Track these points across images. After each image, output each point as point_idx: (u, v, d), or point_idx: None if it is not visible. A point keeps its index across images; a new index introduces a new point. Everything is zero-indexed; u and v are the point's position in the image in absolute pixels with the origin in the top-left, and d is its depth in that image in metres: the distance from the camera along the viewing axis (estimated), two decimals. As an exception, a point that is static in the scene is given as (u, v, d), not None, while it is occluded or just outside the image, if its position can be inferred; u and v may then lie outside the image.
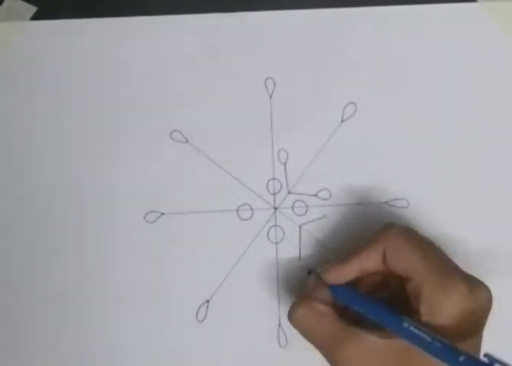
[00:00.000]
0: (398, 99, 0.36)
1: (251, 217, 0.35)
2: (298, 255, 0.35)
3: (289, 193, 0.36)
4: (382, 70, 0.36)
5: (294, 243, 0.35)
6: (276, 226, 0.35)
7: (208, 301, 0.35)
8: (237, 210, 0.35)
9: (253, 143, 0.35)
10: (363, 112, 0.35)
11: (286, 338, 0.35)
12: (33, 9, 0.36)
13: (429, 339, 0.26)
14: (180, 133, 0.35)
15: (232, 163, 0.35)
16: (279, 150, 0.35)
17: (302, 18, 0.36)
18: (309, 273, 0.32)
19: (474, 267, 0.35)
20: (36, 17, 0.36)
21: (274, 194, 0.36)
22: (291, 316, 0.30)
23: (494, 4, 0.36)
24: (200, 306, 0.35)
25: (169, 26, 0.36)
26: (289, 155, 0.35)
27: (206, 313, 0.35)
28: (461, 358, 0.25)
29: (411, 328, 0.27)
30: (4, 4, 0.36)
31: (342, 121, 0.35)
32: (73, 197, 0.35)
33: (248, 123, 0.35)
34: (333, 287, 0.30)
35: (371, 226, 0.34)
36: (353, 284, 0.30)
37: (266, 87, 0.36)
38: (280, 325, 0.35)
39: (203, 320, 0.35)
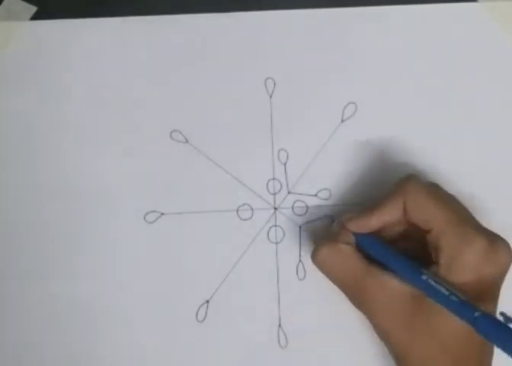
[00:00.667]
0: (398, 99, 0.35)
1: (251, 217, 0.35)
2: (298, 255, 0.35)
3: (289, 193, 0.36)
4: (382, 70, 0.36)
5: (294, 243, 0.35)
6: (276, 226, 0.35)
7: (208, 301, 0.35)
8: (237, 210, 0.35)
9: (253, 143, 0.35)
10: (363, 112, 0.35)
11: (286, 339, 0.35)
12: (33, 9, 0.36)
13: (446, 293, 0.26)
14: (180, 133, 0.35)
15: (231, 163, 0.35)
16: (279, 150, 0.35)
17: (302, 18, 0.36)
18: (326, 217, 0.33)
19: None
20: (36, 17, 0.36)
21: (274, 194, 0.36)
22: (314, 256, 0.31)
23: (495, 4, 0.36)
24: (199, 306, 0.35)
25: (169, 26, 0.36)
26: (289, 155, 0.35)
27: (206, 313, 0.35)
28: (476, 314, 0.25)
29: (429, 280, 0.27)
30: (4, 4, 0.36)
31: (342, 121, 0.35)
32: (72, 197, 0.35)
33: (248, 123, 0.35)
34: (356, 235, 0.31)
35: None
36: (376, 234, 0.31)
37: (266, 87, 0.36)
38: (279, 325, 0.35)
39: (203, 320, 0.35)
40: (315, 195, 0.35)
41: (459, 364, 0.28)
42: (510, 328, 0.25)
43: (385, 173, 0.35)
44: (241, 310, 0.35)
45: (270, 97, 0.36)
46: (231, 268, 0.35)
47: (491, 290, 0.28)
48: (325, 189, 0.35)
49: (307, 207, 0.35)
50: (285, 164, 0.35)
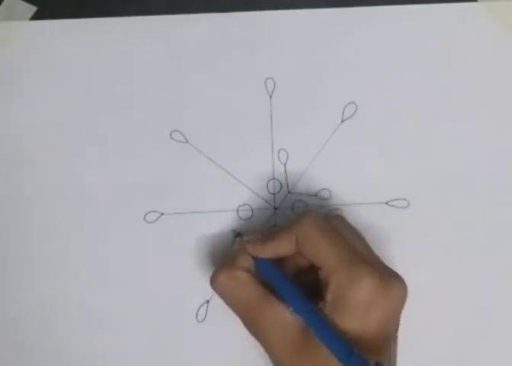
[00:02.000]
0: (398, 99, 0.35)
1: (251, 217, 0.35)
2: (298, 255, 0.35)
3: (289, 193, 0.36)
4: (382, 70, 0.36)
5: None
6: (276, 226, 0.35)
7: (208, 301, 0.35)
8: (237, 210, 0.35)
9: (253, 143, 0.35)
10: (363, 112, 0.35)
11: (286, 339, 0.35)
12: (33, 9, 0.36)
13: (325, 329, 0.27)
14: (180, 133, 0.35)
15: (232, 163, 0.35)
16: (279, 150, 0.35)
17: (302, 18, 0.36)
18: (236, 236, 0.33)
19: (473, 266, 0.35)
20: (36, 17, 0.36)
21: (274, 194, 0.35)
22: (212, 283, 0.31)
23: (494, 3, 0.36)
24: (199, 306, 0.35)
25: (169, 26, 0.36)
26: (289, 155, 0.35)
27: (206, 313, 0.35)
28: (348, 354, 0.26)
29: (313, 316, 0.28)
30: (4, 3, 0.36)
31: (342, 121, 0.35)
32: (73, 197, 0.35)
33: (248, 123, 0.35)
34: (255, 259, 0.30)
35: (371, 226, 0.35)
36: (281, 262, 0.31)
37: (266, 87, 0.36)
38: (279, 325, 0.35)
39: (203, 320, 0.35)
40: (315, 195, 0.35)
41: None
42: None
43: (385, 173, 0.35)
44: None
45: (270, 97, 0.36)
46: (231, 268, 0.35)
47: (380, 337, 0.28)
48: (325, 189, 0.35)
49: (307, 206, 0.35)
50: (285, 164, 0.35)
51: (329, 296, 0.28)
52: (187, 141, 0.35)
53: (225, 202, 0.35)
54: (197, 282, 0.35)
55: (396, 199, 0.35)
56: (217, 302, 0.35)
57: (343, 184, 0.35)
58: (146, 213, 0.35)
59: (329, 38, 0.36)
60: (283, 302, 0.29)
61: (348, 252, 0.29)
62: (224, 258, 0.34)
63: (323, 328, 0.27)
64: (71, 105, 0.35)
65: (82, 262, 0.35)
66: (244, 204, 0.35)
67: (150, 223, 0.35)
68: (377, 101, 0.35)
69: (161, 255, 0.35)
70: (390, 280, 0.28)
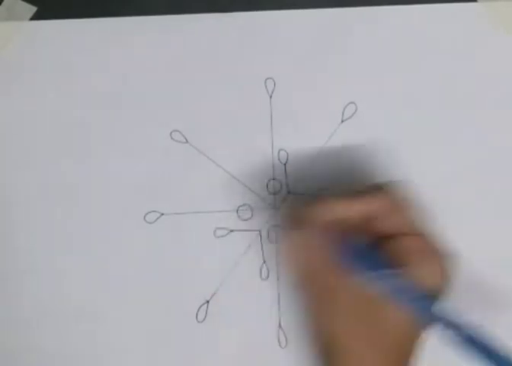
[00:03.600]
0: (398, 99, 0.35)
1: (251, 217, 0.35)
2: (298, 255, 0.35)
3: (289, 193, 0.36)
4: (382, 70, 0.36)
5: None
6: (276, 225, 0.35)
7: (208, 301, 0.35)
8: (237, 210, 0.35)
9: (253, 143, 0.35)
10: (363, 112, 0.35)
11: (286, 339, 0.35)
12: (33, 9, 0.36)
13: (409, 293, 0.27)
14: (180, 133, 0.35)
15: (231, 163, 0.35)
16: (279, 150, 0.35)
17: (302, 18, 0.36)
18: (321, 191, 0.33)
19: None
20: (36, 17, 0.36)
21: (274, 194, 0.35)
22: (284, 247, 0.31)
23: (494, 4, 0.36)
24: (199, 307, 0.35)
25: (169, 26, 0.36)
26: (289, 155, 0.35)
27: (206, 313, 0.35)
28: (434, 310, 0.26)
29: (393, 279, 0.27)
30: (4, 4, 0.36)
31: (342, 121, 0.35)
32: (73, 197, 0.35)
33: (248, 124, 0.35)
34: (343, 238, 0.29)
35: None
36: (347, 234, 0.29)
37: (266, 87, 0.36)
38: (280, 325, 0.35)
39: (203, 320, 0.35)
40: (315, 195, 0.35)
41: (397, 356, 0.28)
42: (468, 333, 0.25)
43: (385, 173, 0.35)
44: (241, 311, 0.35)
45: (270, 97, 0.36)
46: (231, 269, 0.35)
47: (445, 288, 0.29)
48: (325, 189, 0.35)
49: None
50: (285, 164, 0.35)
51: (405, 266, 0.28)
52: (187, 141, 0.35)
53: (225, 202, 0.35)
54: (197, 282, 0.35)
55: (396, 199, 0.35)
56: (217, 302, 0.35)
57: (343, 184, 0.35)
58: (146, 213, 0.35)
59: (329, 38, 0.36)
60: (353, 274, 0.28)
61: (421, 222, 0.29)
62: (294, 220, 0.31)
63: (409, 294, 0.27)
64: (71, 105, 0.35)
65: (82, 262, 0.35)
66: (244, 204, 0.35)
67: (150, 223, 0.35)
68: (377, 101, 0.35)
69: (161, 255, 0.35)
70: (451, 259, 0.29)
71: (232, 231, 0.35)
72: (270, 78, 0.36)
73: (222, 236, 0.35)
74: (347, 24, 0.36)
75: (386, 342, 0.28)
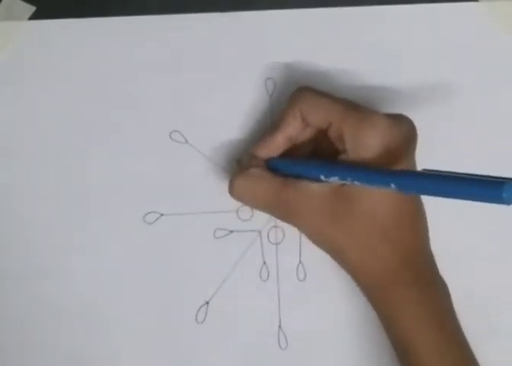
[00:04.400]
0: (398, 99, 0.36)
1: (250, 218, 0.35)
2: (298, 255, 0.35)
3: (289, 193, 0.35)
4: (382, 70, 0.36)
5: (294, 243, 0.35)
6: (276, 226, 0.35)
7: (208, 302, 0.35)
8: (237, 211, 0.35)
9: (253, 143, 0.35)
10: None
11: (286, 340, 0.35)
12: (32, 9, 0.36)
13: (363, 172, 0.27)
14: (180, 133, 0.35)
15: (231, 163, 0.35)
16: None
17: (302, 18, 0.36)
18: (238, 161, 0.34)
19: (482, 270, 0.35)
20: (35, 16, 0.36)
21: (274, 194, 0.35)
22: (231, 190, 0.31)
23: (495, 3, 0.36)
24: (199, 308, 0.35)
25: (169, 26, 0.36)
26: (289, 155, 0.35)
27: (206, 314, 0.35)
28: (396, 175, 0.26)
29: (343, 168, 0.28)
30: (4, 3, 0.36)
31: (342, 121, 0.35)
32: (72, 197, 0.35)
33: (248, 123, 0.35)
34: (268, 161, 0.31)
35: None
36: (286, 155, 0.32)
37: (266, 87, 0.36)
38: (280, 326, 0.35)
39: (202, 321, 0.35)
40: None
41: (394, 244, 0.29)
42: (428, 173, 0.25)
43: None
44: (241, 311, 0.35)
45: (270, 97, 0.36)
46: (231, 269, 0.35)
47: (403, 154, 0.29)
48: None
49: None
50: (285, 164, 0.35)
51: (347, 144, 0.29)
52: (187, 141, 0.35)
53: (225, 202, 0.35)
54: (197, 283, 0.35)
55: (396, 199, 0.35)
56: (217, 303, 0.35)
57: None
58: (146, 214, 0.35)
59: (329, 38, 0.36)
60: (304, 179, 0.30)
61: (350, 101, 0.30)
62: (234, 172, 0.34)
63: (358, 170, 0.28)
64: (70, 105, 0.35)
65: (82, 263, 0.35)
66: (244, 205, 0.35)
67: (150, 223, 0.35)
68: (377, 100, 0.35)
69: (161, 255, 0.35)
70: (396, 114, 0.30)
71: (231, 232, 0.35)
72: (270, 78, 0.36)
73: (222, 237, 0.35)
74: (347, 24, 0.36)
75: (377, 227, 0.29)
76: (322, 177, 0.29)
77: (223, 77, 0.36)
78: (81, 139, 0.35)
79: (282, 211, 0.31)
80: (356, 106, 0.30)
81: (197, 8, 0.36)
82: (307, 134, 0.32)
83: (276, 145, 0.31)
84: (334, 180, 0.28)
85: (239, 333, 0.35)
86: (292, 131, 0.31)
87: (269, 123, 0.35)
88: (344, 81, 0.36)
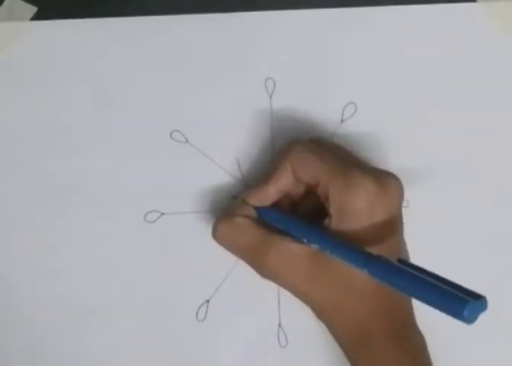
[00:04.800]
0: (397, 99, 0.35)
1: (250, 217, 0.35)
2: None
3: (289, 193, 0.35)
4: (382, 70, 0.36)
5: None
6: (234, 196, 0.35)
7: (208, 301, 0.35)
8: (237, 210, 0.35)
9: (253, 143, 0.35)
10: (362, 112, 0.35)
11: (286, 338, 0.35)
12: (33, 9, 0.36)
13: (337, 244, 0.27)
14: (180, 133, 0.35)
15: (231, 163, 0.35)
16: (279, 150, 0.35)
17: (302, 18, 0.36)
18: (234, 198, 0.34)
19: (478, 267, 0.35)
20: (36, 17, 0.36)
21: (274, 194, 0.35)
22: (214, 234, 0.32)
23: (494, 4, 0.36)
24: (200, 306, 0.35)
25: (169, 26, 0.36)
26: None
27: (206, 313, 0.35)
28: (369, 262, 0.26)
29: (322, 235, 0.28)
30: (5, 4, 0.36)
31: (342, 121, 0.35)
32: (72, 197, 0.35)
33: (248, 123, 0.35)
34: (258, 209, 0.31)
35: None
36: (276, 205, 0.32)
37: (266, 87, 0.36)
38: (280, 324, 0.35)
39: (203, 320, 0.35)
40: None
41: (375, 310, 0.29)
42: (401, 268, 0.25)
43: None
44: (241, 310, 0.35)
45: (270, 97, 0.36)
46: (231, 268, 0.35)
47: (389, 228, 0.29)
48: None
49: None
50: (285, 164, 0.35)
51: (332, 209, 0.29)
52: (187, 141, 0.35)
53: (225, 202, 0.35)
54: (197, 282, 0.35)
55: (396, 199, 0.35)
56: (217, 302, 0.35)
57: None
58: (146, 213, 0.35)
59: (329, 38, 0.36)
60: (287, 237, 0.30)
61: (339, 161, 0.30)
62: (222, 212, 0.34)
63: (336, 244, 0.28)
64: (71, 105, 0.35)
65: (82, 262, 0.35)
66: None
67: (150, 222, 0.35)
68: (377, 101, 0.35)
69: (162, 254, 0.35)
70: (384, 178, 0.29)
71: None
72: (270, 78, 0.36)
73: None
74: (347, 24, 0.36)
75: (362, 304, 0.29)
76: (305, 240, 0.29)
77: (223, 77, 0.36)
78: (81, 139, 0.35)
79: (260, 265, 0.31)
80: (346, 168, 0.29)
81: (197, 8, 0.36)
82: (299, 188, 0.31)
83: (266, 196, 0.31)
84: (315, 246, 0.28)
85: (239, 331, 0.35)
86: (284, 184, 0.31)
87: (269, 123, 0.35)
88: (344, 81, 0.36)
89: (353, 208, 0.28)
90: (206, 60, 0.36)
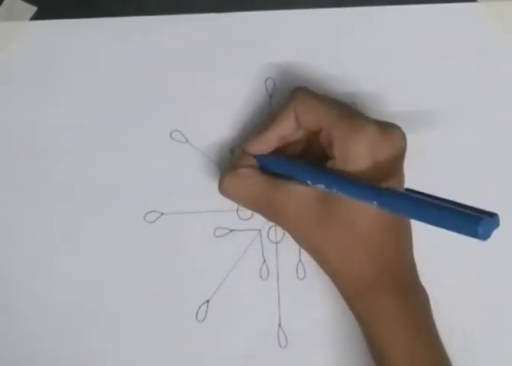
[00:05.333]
0: (398, 99, 0.35)
1: (250, 217, 0.35)
2: (298, 255, 0.35)
3: (289, 193, 0.35)
4: (382, 70, 0.36)
5: (294, 242, 0.35)
6: (276, 226, 0.35)
7: (208, 301, 0.35)
8: (237, 210, 0.35)
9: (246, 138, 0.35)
10: (363, 112, 0.35)
11: (286, 338, 0.35)
12: (33, 9, 0.36)
13: (346, 182, 0.27)
14: (180, 133, 0.35)
15: (231, 163, 0.35)
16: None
17: (302, 18, 0.36)
18: (232, 151, 0.34)
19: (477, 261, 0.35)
20: (36, 17, 0.36)
21: (274, 193, 0.35)
22: (220, 188, 0.32)
23: (494, 4, 0.36)
24: (200, 306, 0.35)
25: (169, 26, 0.36)
26: (289, 155, 0.35)
27: (206, 313, 0.35)
28: (377, 192, 0.26)
29: (329, 175, 0.28)
30: (5, 4, 0.36)
31: (342, 121, 0.35)
32: (73, 196, 0.35)
33: (248, 124, 0.35)
34: (259, 158, 0.32)
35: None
36: (277, 153, 0.32)
37: (266, 87, 0.36)
38: (280, 325, 0.35)
39: (203, 320, 0.35)
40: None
41: (375, 252, 0.29)
42: (411, 196, 0.26)
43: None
44: (241, 310, 0.35)
45: (270, 97, 0.36)
46: (231, 268, 0.35)
47: (391, 169, 0.29)
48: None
49: None
50: (285, 164, 0.35)
51: (336, 151, 0.29)
52: (187, 141, 0.35)
53: (225, 202, 0.35)
54: (198, 281, 0.35)
55: (396, 199, 0.35)
56: (217, 302, 0.35)
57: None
58: (146, 213, 0.35)
59: (329, 38, 0.36)
60: (292, 180, 0.30)
61: (345, 107, 0.30)
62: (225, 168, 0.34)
63: (344, 181, 0.28)
64: (71, 105, 0.35)
65: (82, 262, 0.35)
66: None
67: (150, 222, 0.35)
68: (377, 101, 0.35)
69: (161, 254, 0.35)
70: (388, 126, 0.29)
71: (231, 230, 0.35)
72: (270, 78, 0.36)
73: (222, 236, 0.35)
74: (347, 24, 0.36)
75: (362, 246, 0.29)
76: (309, 182, 0.29)
77: (223, 77, 0.36)
78: (81, 139, 0.35)
79: (269, 211, 0.31)
80: (350, 113, 0.29)
81: (197, 8, 0.36)
82: (300, 134, 0.32)
83: (268, 142, 0.31)
84: (320, 187, 0.28)
85: (239, 332, 0.35)
86: (285, 130, 0.31)
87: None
88: (344, 81, 0.36)
89: (357, 150, 0.28)
90: (206, 60, 0.36)
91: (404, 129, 0.35)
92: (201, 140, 0.35)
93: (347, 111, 0.30)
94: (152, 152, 0.35)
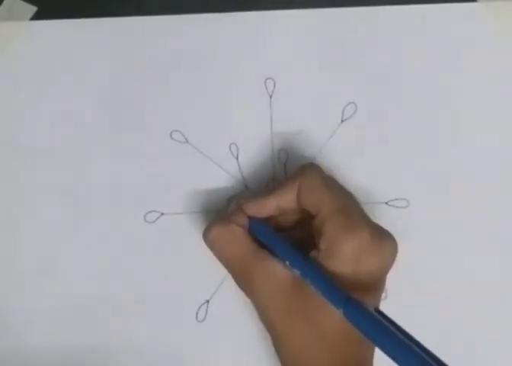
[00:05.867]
0: (398, 99, 0.35)
1: (250, 217, 0.35)
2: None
3: (289, 193, 0.35)
4: (382, 70, 0.36)
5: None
6: (230, 199, 0.35)
7: (208, 301, 0.35)
8: (237, 210, 0.35)
9: (253, 143, 0.35)
10: (363, 112, 0.35)
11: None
12: (33, 9, 0.36)
13: (321, 278, 0.27)
14: (180, 133, 0.35)
15: (231, 163, 0.35)
16: (279, 150, 0.35)
17: (302, 18, 0.36)
18: (229, 200, 0.34)
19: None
20: (36, 17, 0.36)
21: (274, 193, 0.35)
22: (205, 236, 0.31)
23: (494, 4, 0.36)
24: (200, 306, 0.35)
25: (169, 26, 0.36)
26: (289, 155, 0.35)
27: (206, 313, 0.35)
28: (345, 300, 0.25)
29: (307, 265, 0.27)
30: (5, 4, 0.36)
31: (342, 121, 0.35)
32: (73, 196, 0.35)
33: (248, 124, 0.35)
34: (250, 219, 0.31)
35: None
36: (270, 221, 0.31)
37: (266, 87, 0.36)
38: (279, 325, 0.35)
39: (203, 320, 0.35)
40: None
41: (335, 356, 0.28)
42: (377, 318, 0.24)
43: (385, 173, 0.35)
44: (241, 310, 0.35)
45: (270, 97, 0.36)
46: (231, 268, 0.35)
47: (371, 281, 0.28)
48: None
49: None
50: (285, 164, 0.35)
51: (323, 244, 0.28)
52: (187, 141, 0.35)
53: (225, 202, 0.35)
54: (197, 282, 0.35)
55: (396, 199, 0.35)
56: (217, 302, 0.35)
57: (342, 184, 0.35)
58: (146, 213, 0.35)
59: (329, 38, 0.36)
60: (275, 257, 0.29)
61: (347, 201, 0.29)
62: (218, 215, 0.34)
63: (319, 277, 0.27)
64: (70, 105, 0.35)
65: (82, 262, 0.35)
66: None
67: (150, 222, 0.35)
68: (377, 101, 0.35)
69: (161, 254, 0.35)
70: (383, 235, 0.28)
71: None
72: (270, 78, 0.36)
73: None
74: (346, 24, 0.36)
75: (322, 348, 0.28)
76: (287, 263, 0.28)
77: (223, 77, 0.36)
78: (81, 138, 0.35)
79: (242, 278, 0.30)
80: (348, 209, 0.29)
81: (197, 8, 0.36)
82: (297, 210, 0.31)
83: (265, 209, 0.31)
84: (297, 273, 0.28)
85: (239, 331, 0.35)
86: (285, 202, 0.30)
87: (269, 123, 0.35)
88: (344, 81, 0.36)
89: (344, 250, 0.27)
90: (206, 60, 0.36)
91: (404, 129, 0.36)
92: (201, 140, 0.35)
93: (347, 206, 0.29)
94: (151, 152, 0.35)
